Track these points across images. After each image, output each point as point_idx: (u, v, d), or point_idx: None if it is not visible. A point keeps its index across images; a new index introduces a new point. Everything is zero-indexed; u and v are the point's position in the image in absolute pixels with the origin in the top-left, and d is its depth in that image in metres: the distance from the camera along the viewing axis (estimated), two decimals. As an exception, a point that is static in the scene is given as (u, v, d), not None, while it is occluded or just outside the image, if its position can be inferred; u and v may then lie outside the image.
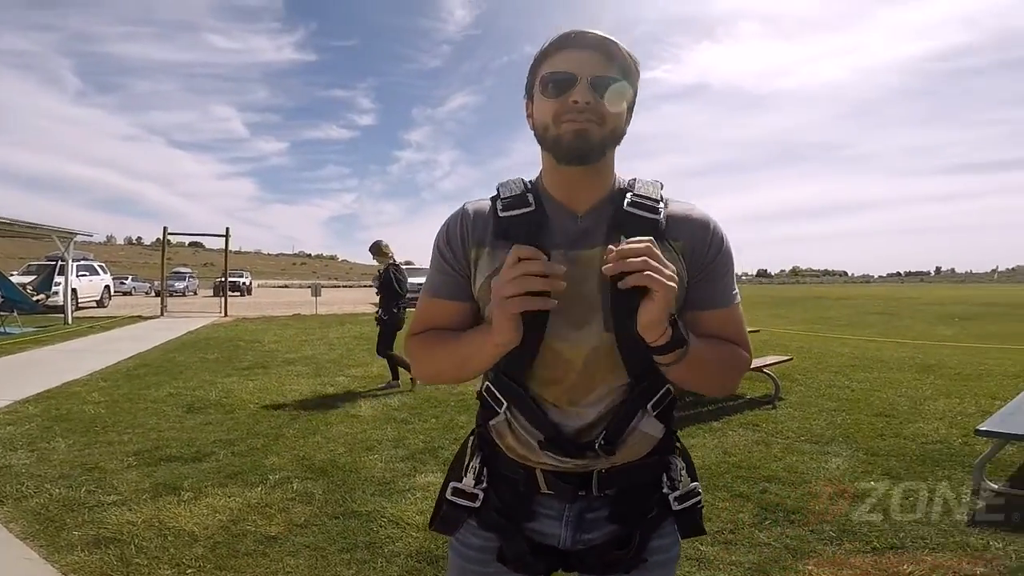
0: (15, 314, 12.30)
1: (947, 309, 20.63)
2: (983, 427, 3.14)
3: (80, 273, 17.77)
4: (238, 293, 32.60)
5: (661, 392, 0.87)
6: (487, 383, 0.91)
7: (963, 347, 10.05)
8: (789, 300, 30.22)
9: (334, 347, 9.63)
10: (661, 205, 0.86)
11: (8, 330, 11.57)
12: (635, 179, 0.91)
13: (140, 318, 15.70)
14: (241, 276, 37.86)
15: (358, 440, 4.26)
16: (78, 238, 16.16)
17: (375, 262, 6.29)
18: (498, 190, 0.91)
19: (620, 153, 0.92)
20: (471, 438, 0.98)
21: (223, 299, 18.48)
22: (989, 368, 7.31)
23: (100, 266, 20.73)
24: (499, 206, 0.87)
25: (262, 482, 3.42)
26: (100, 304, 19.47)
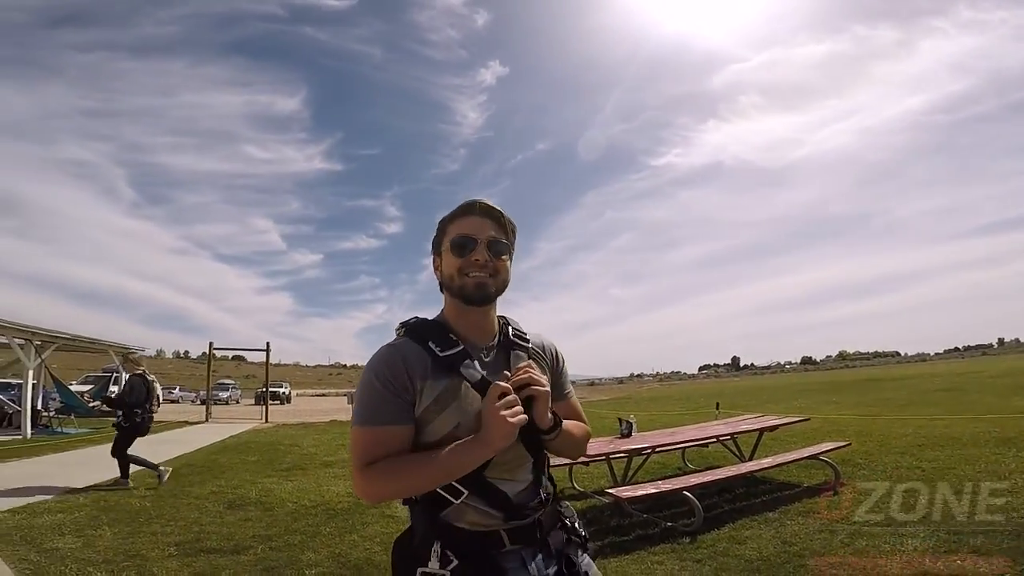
0: (72, 417, 13.96)
1: (1019, 380, 18.95)
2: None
3: (132, 383, 18.75)
4: (278, 401, 33.14)
5: (544, 461, 1.22)
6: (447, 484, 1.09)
7: (1045, 418, 9.17)
8: (840, 385, 28.61)
9: (370, 448, 9.54)
10: (528, 336, 1.25)
11: (66, 431, 13.14)
12: (506, 316, 1.27)
13: (187, 423, 16.25)
14: (281, 386, 38.61)
15: (394, 539, 4.12)
16: (132, 353, 17.30)
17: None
18: (417, 331, 1.15)
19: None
20: (414, 536, 1.13)
21: (264, 406, 18.87)
22: (1078, 437, 6.65)
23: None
24: (435, 348, 1.12)
25: (298, 577, 3.33)
26: (150, 410, 20.24)
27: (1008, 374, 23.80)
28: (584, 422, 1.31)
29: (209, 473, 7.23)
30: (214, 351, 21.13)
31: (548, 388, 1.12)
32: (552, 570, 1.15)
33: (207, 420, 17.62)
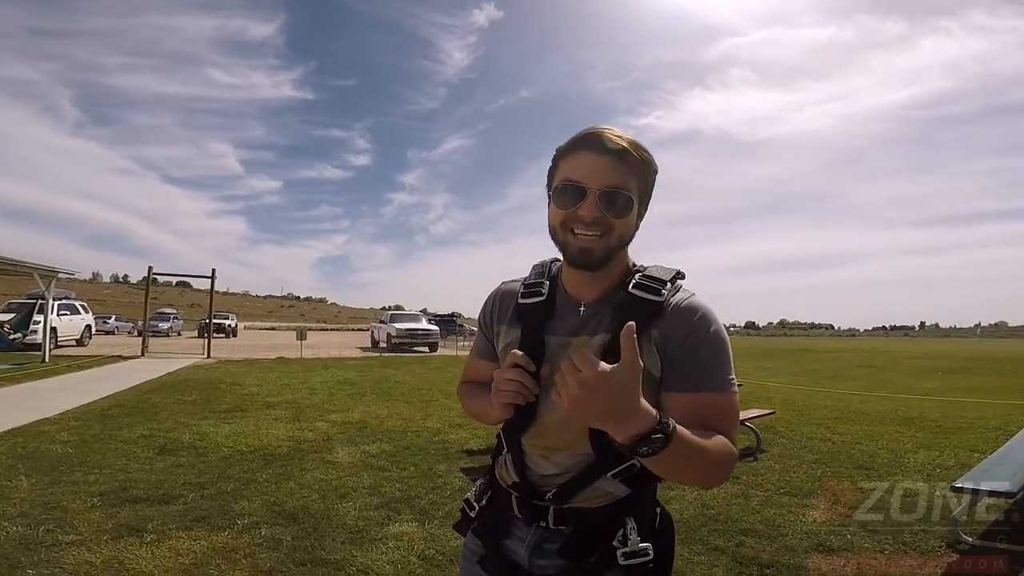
0: None
1: (931, 363, 20.77)
2: (959, 483, 3.17)
3: (61, 312, 17.53)
4: (223, 335, 32.10)
5: (626, 465, 0.92)
6: (500, 430, 1.11)
7: (945, 400, 10.11)
8: (776, 352, 30.37)
9: (316, 391, 9.49)
10: (667, 288, 0.93)
11: (-19, 367, 11.58)
12: (650, 266, 1.00)
13: (120, 358, 15.44)
14: (227, 318, 37.25)
15: (332, 487, 4.18)
16: (60, 276, 15.95)
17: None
18: (530, 273, 1.10)
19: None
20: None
21: (207, 341, 18.22)
22: (970, 421, 7.37)
23: (82, 305, 20.56)
24: (521, 291, 1.06)
25: (229, 526, 3.33)
26: (80, 343, 19.30)
27: (922, 356, 25.96)
28: (727, 433, 0.88)
29: (140, 415, 6.96)
30: (155, 276, 20.04)
31: (569, 396, 0.72)
32: (546, 563, 1.00)
33: (143, 355, 16.81)
